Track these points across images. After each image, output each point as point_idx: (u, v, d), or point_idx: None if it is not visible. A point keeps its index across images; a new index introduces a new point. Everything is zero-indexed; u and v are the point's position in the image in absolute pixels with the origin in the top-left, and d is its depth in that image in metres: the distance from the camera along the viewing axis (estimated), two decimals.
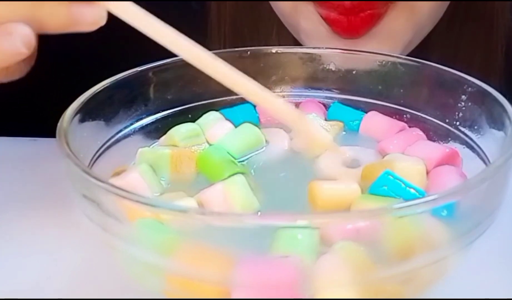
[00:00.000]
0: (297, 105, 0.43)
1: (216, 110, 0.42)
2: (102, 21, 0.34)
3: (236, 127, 0.41)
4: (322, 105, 0.43)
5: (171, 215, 0.28)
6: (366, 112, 0.42)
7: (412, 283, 0.29)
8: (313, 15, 0.49)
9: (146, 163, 0.37)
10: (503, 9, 0.56)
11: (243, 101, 0.43)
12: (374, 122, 0.41)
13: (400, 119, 0.41)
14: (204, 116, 0.41)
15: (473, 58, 0.56)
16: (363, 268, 0.27)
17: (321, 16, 0.48)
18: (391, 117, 0.41)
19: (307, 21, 0.50)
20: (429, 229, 0.28)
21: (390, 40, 0.48)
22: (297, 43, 0.53)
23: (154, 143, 0.41)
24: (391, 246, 0.28)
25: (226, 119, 0.41)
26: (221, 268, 0.27)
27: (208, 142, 0.40)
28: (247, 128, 0.40)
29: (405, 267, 0.28)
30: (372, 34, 0.48)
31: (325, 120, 0.42)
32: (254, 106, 0.43)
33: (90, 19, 0.34)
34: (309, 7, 0.49)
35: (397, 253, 0.28)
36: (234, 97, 0.43)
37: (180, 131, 0.40)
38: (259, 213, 0.34)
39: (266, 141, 0.40)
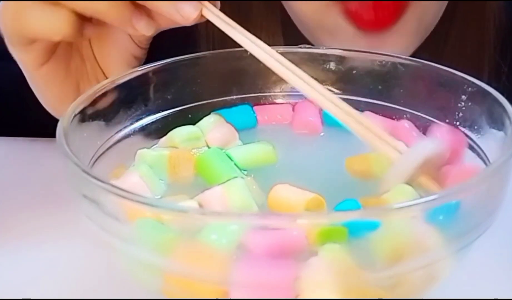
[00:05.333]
0: (294, 105, 0.43)
1: (215, 111, 0.42)
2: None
3: (236, 129, 0.41)
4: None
5: (171, 215, 0.28)
6: (362, 112, 0.42)
7: (401, 287, 0.29)
8: (338, 15, 0.50)
9: (146, 164, 0.37)
10: (494, 6, 0.57)
11: (242, 101, 0.43)
12: None
13: (400, 119, 0.41)
14: (205, 118, 0.41)
15: (462, 55, 0.57)
16: (347, 271, 0.27)
17: (348, 14, 0.49)
18: (392, 117, 0.41)
19: (331, 23, 0.51)
20: (421, 234, 0.28)
21: (410, 35, 0.51)
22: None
23: (154, 143, 0.40)
24: (381, 250, 0.28)
25: (227, 122, 0.41)
26: (219, 267, 0.27)
27: (208, 146, 0.40)
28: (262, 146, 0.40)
29: (393, 271, 0.28)
30: (394, 29, 0.50)
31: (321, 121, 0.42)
32: (251, 106, 0.43)
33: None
34: (334, 8, 0.50)
35: (387, 257, 0.28)
36: (234, 97, 0.43)
37: (181, 133, 0.40)
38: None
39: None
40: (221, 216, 0.29)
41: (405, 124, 0.40)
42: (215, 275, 0.28)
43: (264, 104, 0.43)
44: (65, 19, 0.39)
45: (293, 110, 0.43)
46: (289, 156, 0.40)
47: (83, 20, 0.40)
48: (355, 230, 0.27)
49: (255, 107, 0.43)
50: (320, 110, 0.43)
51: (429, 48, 0.54)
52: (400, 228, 0.28)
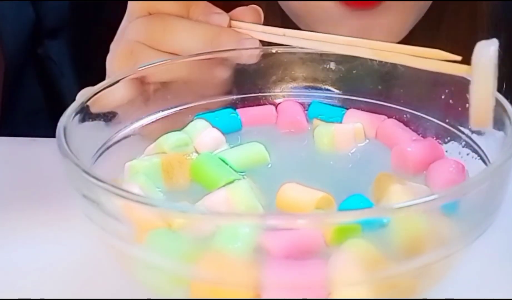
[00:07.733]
0: (277, 106, 0.43)
1: (198, 115, 0.42)
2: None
3: (223, 134, 0.40)
4: (300, 105, 0.43)
5: (172, 214, 0.29)
6: (347, 109, 0.42)
7: (427, 275, 0.29)
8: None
9: (143, 175, 0.36)
10: None
11: (242, 101, 0.43)
12: (356, 119, 0.41)
13: (400, 119, 0.41)
14: (191, 124, 0.41)
15: (456, 38, 0.56)
16: (375, 264, 0.28)
17: None
18: (391, 117, 0.41)
19: (319, 7, 0.50)
20: (436, 225, 0.28)
21: (402, 13, 0.49)
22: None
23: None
24: (396, 241, 0.28)
25: (213, 126, 0.41)
26: (250, 272, 0.28)
27: (196, 151, 0.39)
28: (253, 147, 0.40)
29: (413, 262, 0.28)
30: (384, 6, 0.48)
31: (306, 119, 0.42)
32: (235, 109, 0.43)
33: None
34: None
35: (405, 249, 0.28)
36: (234, 97, 0.43)
37: (170, 140, 0.39)
38: None
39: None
40: (242, 217, 0.29)
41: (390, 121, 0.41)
42: (247, 279, 0.28)
43: (246, 106, 0.43)
44: None
45: (276, 110, 0.43)
46: (280, 155, 0.40)
47: None
48: (367, 226, 0.28)
49: (237, 110, 0.43)
50: (305, 108, 0.43)
51: (422, 30, 0.53)
52: (405, 224, 0.28)
